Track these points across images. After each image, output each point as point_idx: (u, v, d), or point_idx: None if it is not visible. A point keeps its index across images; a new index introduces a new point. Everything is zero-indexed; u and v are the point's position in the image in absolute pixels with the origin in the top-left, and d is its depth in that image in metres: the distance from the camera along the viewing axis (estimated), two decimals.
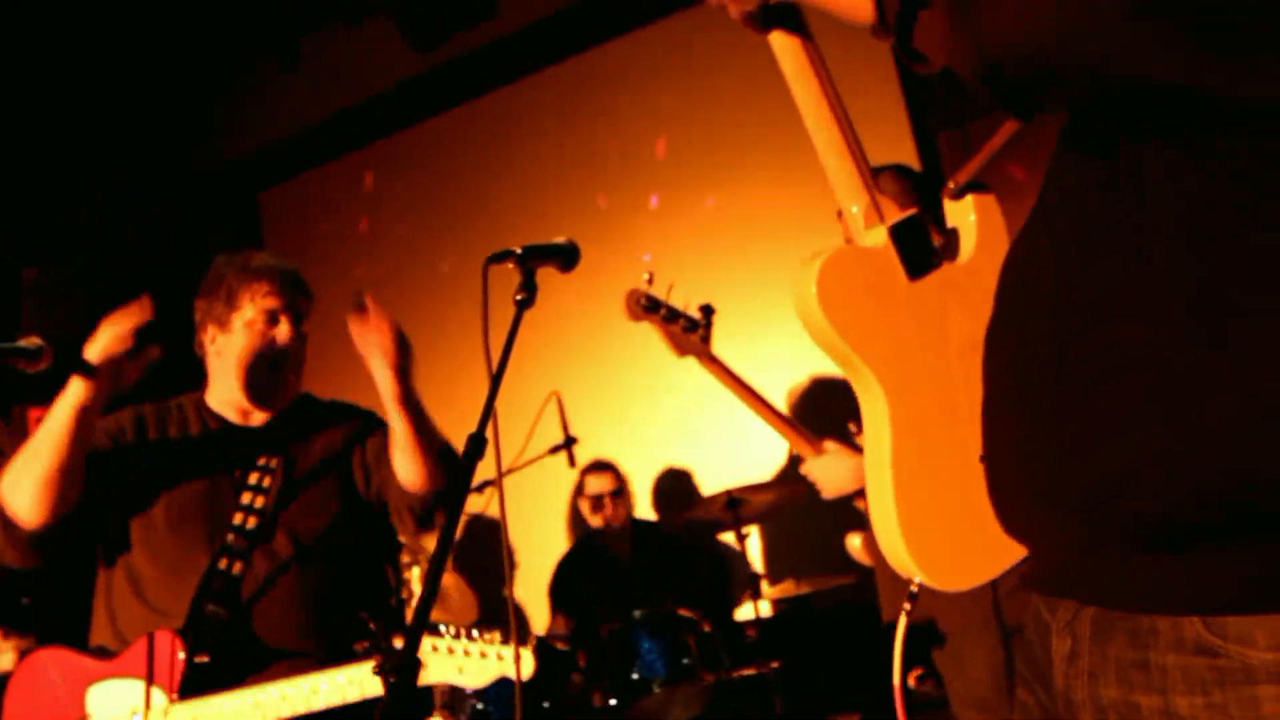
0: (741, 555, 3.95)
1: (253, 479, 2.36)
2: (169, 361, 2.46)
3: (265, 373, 2.43)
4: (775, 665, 3.50)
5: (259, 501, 2.33)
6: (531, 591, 4.78)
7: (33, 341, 2.09)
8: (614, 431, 4.81)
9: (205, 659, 2.16)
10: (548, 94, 5.45)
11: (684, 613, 3.64)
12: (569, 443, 4.00)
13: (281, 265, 2.48)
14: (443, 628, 2.03)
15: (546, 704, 3.46)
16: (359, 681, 2.06)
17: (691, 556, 4.51)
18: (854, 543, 3.24)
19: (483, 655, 2.02)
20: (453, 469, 2.34)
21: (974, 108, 4.18)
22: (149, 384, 2.43)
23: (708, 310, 2.50)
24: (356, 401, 2.61)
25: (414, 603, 2.22)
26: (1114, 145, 0.91)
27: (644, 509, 4.88)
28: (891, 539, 1.23)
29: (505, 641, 2.02)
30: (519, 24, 5.38)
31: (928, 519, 1.23)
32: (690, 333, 2.48)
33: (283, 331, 2.42)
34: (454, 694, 3.29)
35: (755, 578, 3.78)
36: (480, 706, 3.32)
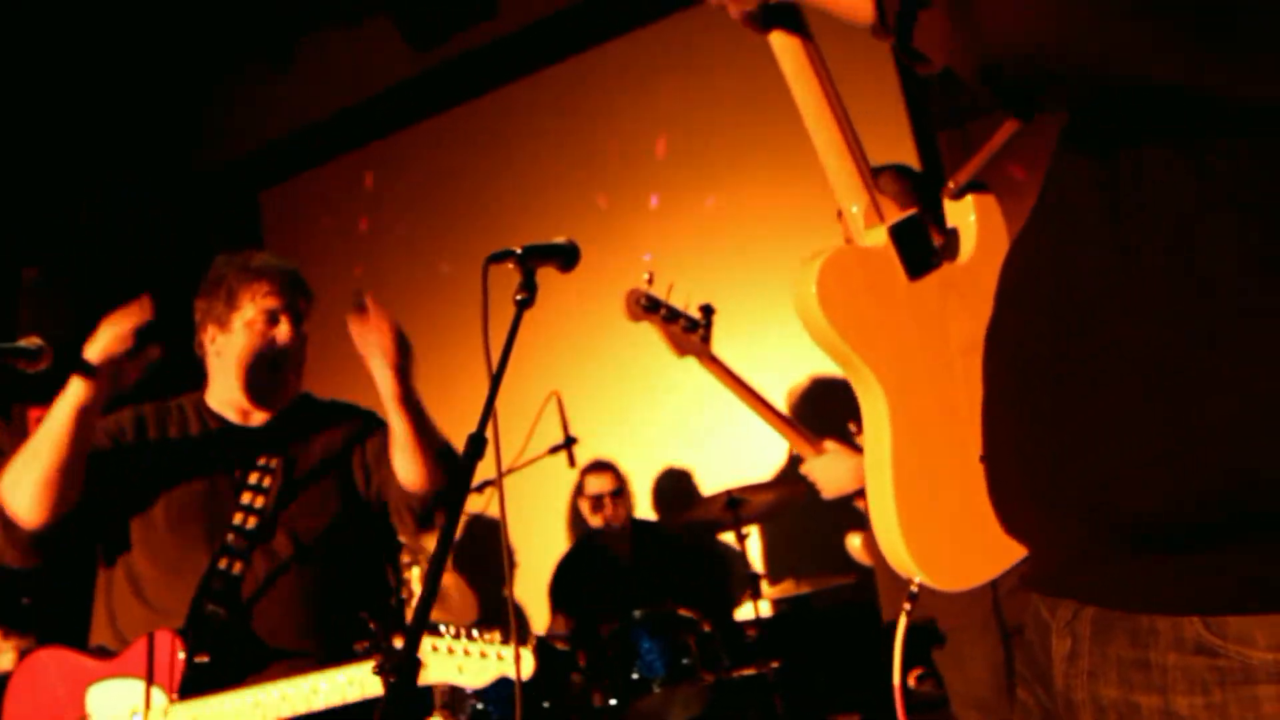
0: (741, 555, 3.95)
1: (253, 479, 2.36)
2: (169, 361, 2.46)
3: (265, 373, 2.43)
4: (775, 665, 3.50)
5: (259, 501, 2.33)
6: (531, 592, 4.78)
7: (32, 341, 2.09)
8: (614, 431, 4.81)
9: (205, 659, 2.16)
10: (548, 94, 5.45)
11: (684, 613, 3.64)
12: (569, 443, 4.00)
13: (282, 265, 2.49)
14: (443, 627, 2.03)
15: (546, 704, 3.46)
16: (359, 681, 2.06)
17: (691, 556, 4.51)
18: (854, 543, 3.24)
19: (483, 655, 2.02)
20: (452, 469, 2.34)
21: (974, 108, 4.19)
22: (149, 384, 2.43)
23: (708, 310, 2.50)
24: (356, 401, 2.61)
25: (414, 603, 2.22)
26: (1114, 146, 0.90)
27: (644, 509, 4.88)
28: (891, 539, 1.22)
29: (505, 641, 2.02)
30: (519, 24, 5.38)
31: (928, 519, 1.22)
32: (690, 333, 2.48)
33: (283, 331, 2.43)
34: (454, 694, 3.29)
35: (755, 578, 3.78)
36: (480, 706, 3.31)
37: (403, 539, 3.60)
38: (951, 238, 1.33)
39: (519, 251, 1.83)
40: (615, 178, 5.19)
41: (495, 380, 1.65)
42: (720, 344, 2.49)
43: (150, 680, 2.14)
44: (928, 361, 1.24)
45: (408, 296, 5.53)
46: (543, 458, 4.01)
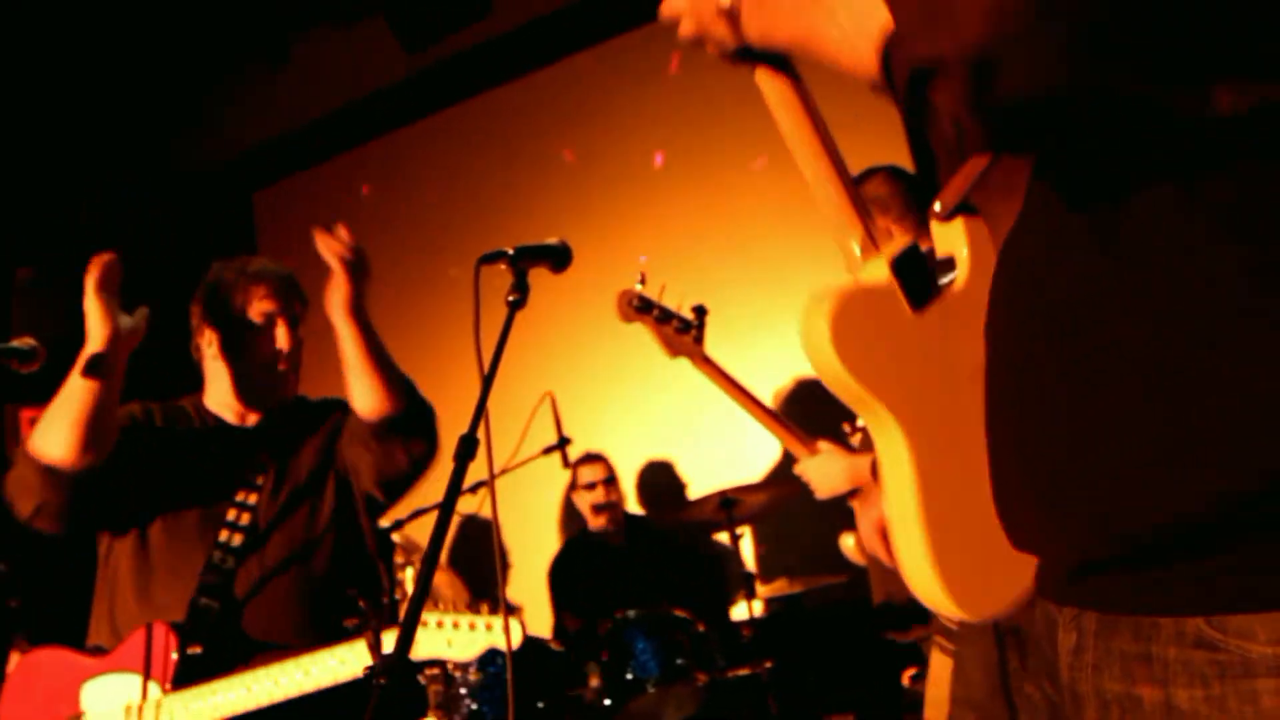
0: (735, 555, 3.95)
1: (249, 477, 2.39)
2: (169, 363, 2.48)
3: (263, 376, 2.47)
4: (769, 665, 3.50)
5: (254, 499, 2.36)
6: (525, 592, 4.78)
7: (26, 342, 2.10)
8: (608, 432, 4.81)
9: (198, 650, 2.17)
10: (543, 94, 5.44)
11: (678, 613, 3.64)
12: (563, 443, 3.99)
13: (278, 270, 2.53)
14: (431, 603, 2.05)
15: (541, 704, 3.46)
16: (349, 660, 2.08)
17: (685, 555, 4.51)
18: (847, 542, 3.24)
19: (471, 627, 2.04)
20: (415, 402, 2.37)
21: None
22: (149, 384, 2.45)
23: (700, 311, 2.50)
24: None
25: (407, 604, 2.23)
26: (1099, 162, 0.91)
27: (637, 509, 4.88)
28: (926, 581, 1.20)
29: (493, 611, 2.03)
30: (513, 24, 5.38)
31: (959, 554, 1.20)
32: (683, 334, 2.48)
33: (280, 336, 2.45)
34: (449, 694, 3.29)
35: (749, 577, 3.78)
36: (475, 707, 3.31)
37: (396, 539, 3.60)
38: (947, 265, 1.32)
39: (511, 252, 1.83)
40: (611, 178, 5.19)
41: (487, 381, 1.65)
42: (714, 345, 2.49)
43: (148, 673, 2.15)
44: (939, 392, 1.22)
45: (401, 297, 5.53)
46: (536, 458, 4.00)
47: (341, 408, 2.54)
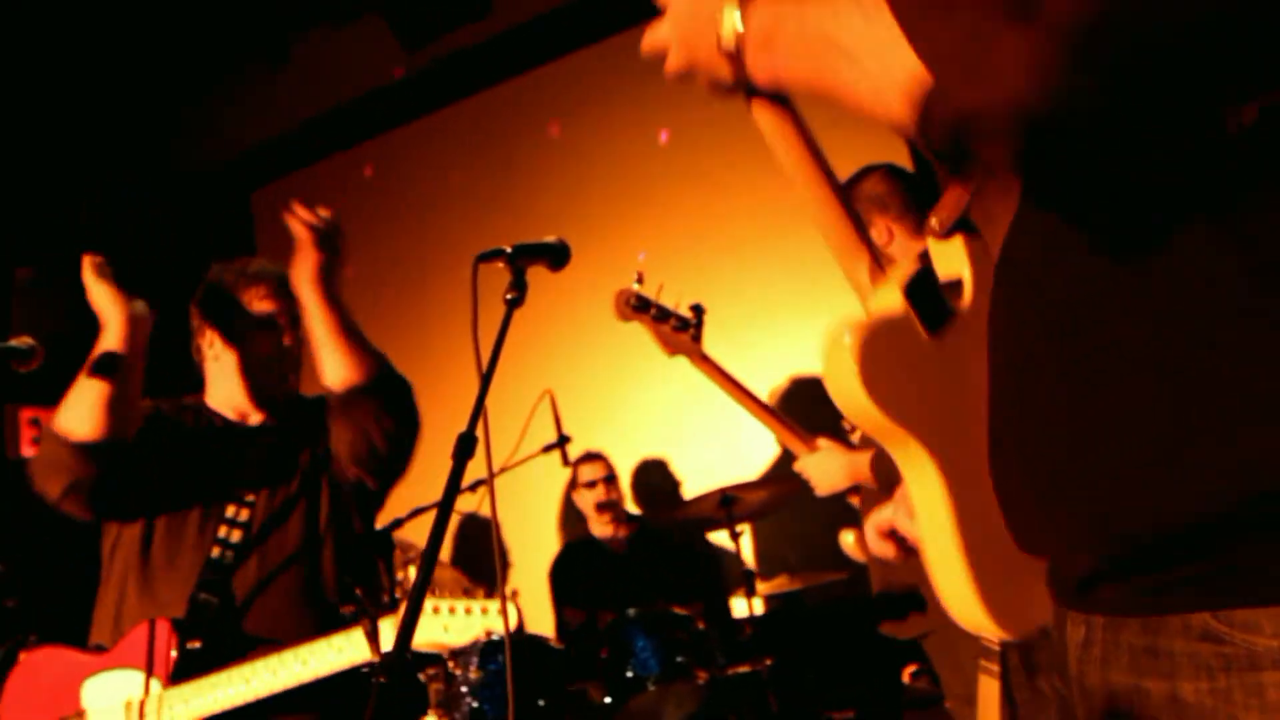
0: (735, 555, 3.95)
1: (250, 476, 2.41)
2: (168, 363, 2.49)
3: (263, 376, 2.50)
4: (769, 662, 3.50)
5: (254, 497, 2.38)
6: (525, 590, 4.77)
7: (24, 341, 2.11)
8: (607, 430, 4.81)
9: (197, 645, 2.18)
10: (541, 93, 5.44)
11: (678, 610, 3.64)
12: (562, 441, 4.00)
13: (277, 271, 2.55)
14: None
15: (541, 702, 3.46)
16: (346, 648, 2.09)
17: (688, 557, 4.51)
18: (847, 539, 3.23)
19: (467, 612, 2.04)
20: (386, 371, 2.37)
21: None
22: (150, 384, 2.46)
23: (698, 309, 2.50)
24: None
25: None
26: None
27: (635, 507, 4.88)
28: (968, 607, 1.19)
29: (489, 595, 2.04)
30: (512, 22, 5.37)
31: (997, 576, 1.19)
32: (681, 332, 2.48)
33: (280, 336, 2.49)
34: (449, 692, 3.29)
35: (749, 575, 3.78)
36: (475, 705, 3.31)
37: (397, 537, 3.60)
38: (954, 287, 1.31)
39: (509, 250, 1.83)
40: (609, 177, 5.19)
41: (485, 379, 1.65)
42: (712, 343, 2.50)
43: (150, 669, 2.16)
44: (962, 416, 1.21)
45: (400, 295, 5.53)
46: (536, 456, 4.00)
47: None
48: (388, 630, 2.06)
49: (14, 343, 2.11)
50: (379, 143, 5.90)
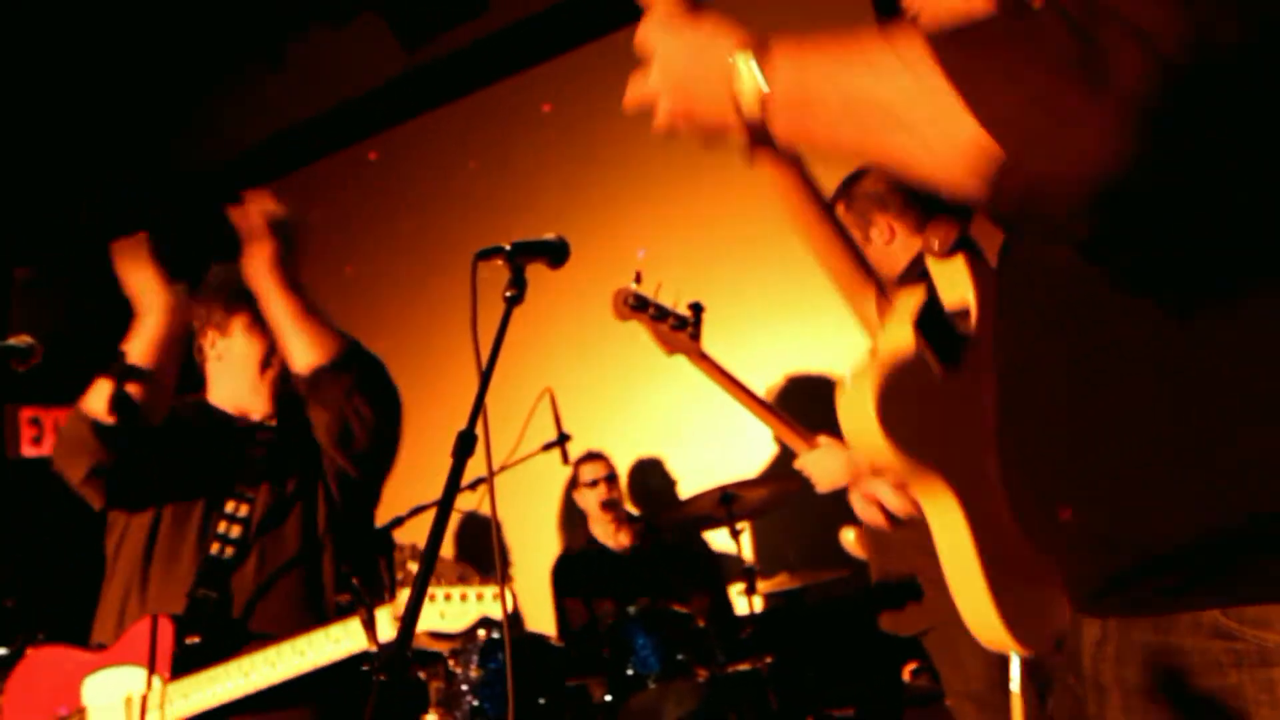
0: (734, 550, 3.95)
1: (249, 473, 2.42)
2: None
3: (264, 376, 2.51)
4: (769, 660, 3.50)
5: (253, 493, 2.39)
6: (525, 589, 4.78)
7: (24, 340, 2.11)
8: (607, 428, 4.81)
9: (197, 640, 2.18)
10: (539, 91, 5.44)
11: (678, 608, 3.64)
12: (562, 440, 3.99)
13: None
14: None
15: (542, 700, 3.46)
16: (344, 638, 2.09)
17: (687, 552, 4.51)
18: (848, 537, 3.24)
19: (463, 598, 2.05)
20: (353, 351, 2.37)
21: None
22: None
23: (697, 308, 2.49)
24: None
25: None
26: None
27: (636, 505, 4.88)
28: (993, 630, 1.21)
29: (483, 581, 2.05)
30: (511, 19, 5.37)
31: (1017, 597, 1.21)
32: (679, 330, 2.47)
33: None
34: (450, 691, 3.29)
35: (750, 573, 3.78)
36: (476, 703, 3.31)
37: (396, 539, 3.59)
38: (961, 314, 1.30)
39: (508, 248, 1.83)
40: (609, 174, 5.19)
41: (485, 377, 1.65)
42: (711, 341, 2.49)
43: (152, 666, 2.17)
44: (977, 443, 1.21)
45: (399, 293, 5.53)
46: (535, 455, 4.00)
47: None
48: (384, 620, 2.07)
49: (13, 341, 2.11)
50: (378, 141, 5.90)
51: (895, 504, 1.42)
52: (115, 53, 5.45)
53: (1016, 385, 1.04)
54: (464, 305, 1.68)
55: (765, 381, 4.41)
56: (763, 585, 3.84)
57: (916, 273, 1.53)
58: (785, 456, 2.78)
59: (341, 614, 2.14)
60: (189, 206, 6.05)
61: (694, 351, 2.49)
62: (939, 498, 1.21)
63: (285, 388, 2.52)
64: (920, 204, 2.64)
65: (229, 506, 2.36)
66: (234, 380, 2.53)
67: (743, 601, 3.82)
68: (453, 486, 1.57)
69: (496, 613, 2.02)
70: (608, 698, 3.47)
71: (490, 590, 2.05)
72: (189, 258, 2.50)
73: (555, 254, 1.89)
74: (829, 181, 2.53)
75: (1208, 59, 0.75)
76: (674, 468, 4.95)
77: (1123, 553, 0.93)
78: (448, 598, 2.06)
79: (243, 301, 2.48)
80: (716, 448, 4.66)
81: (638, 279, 2.46)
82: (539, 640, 3.78)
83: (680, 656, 3.48)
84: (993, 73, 0.81)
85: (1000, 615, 1.19)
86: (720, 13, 1.04)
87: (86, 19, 5.17)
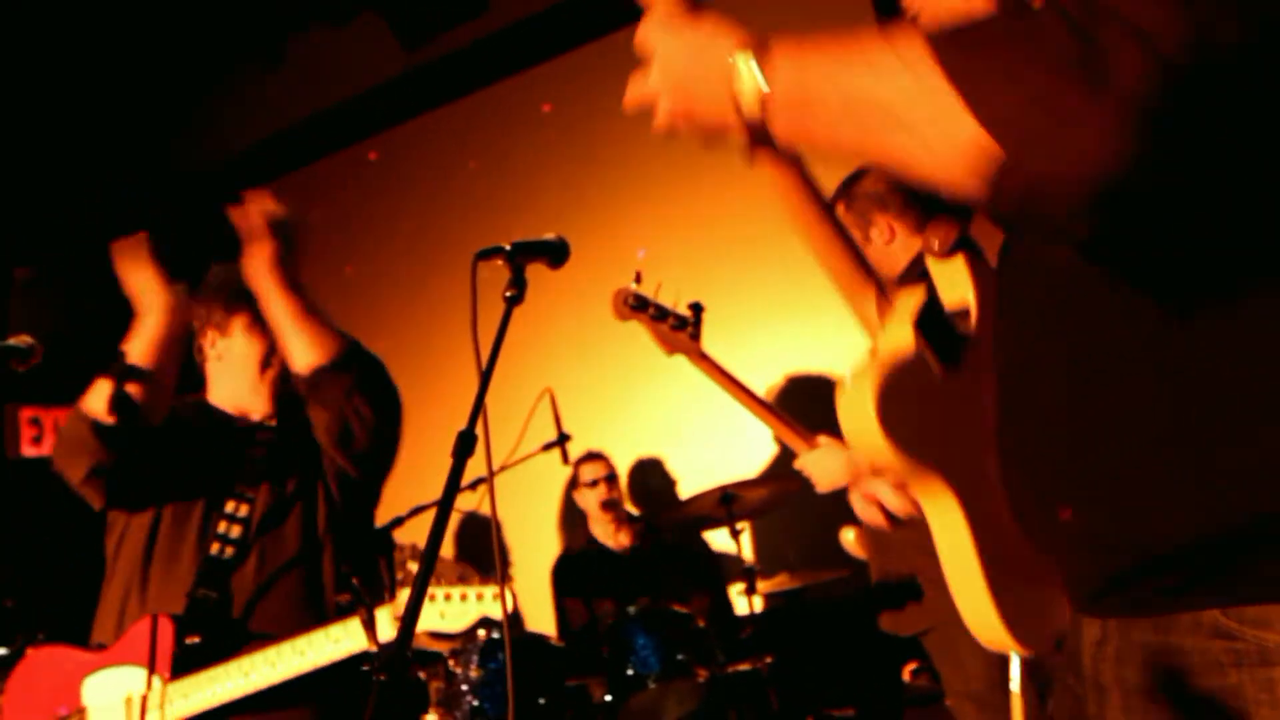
0: (734, 550, 3.95)
1: (249, 473, 2.42)
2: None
3: (264, 376, 2.52)
4: (769, 660, 3.50)
5: (253, 493, 2.39)
6: (525, 589, 4.78)
7: (23, 340, 2.11)
8: (607, 428, 4.81)
9: (197, 640, 2.18)
10: (539, 90, 5.44)
11: (678, 608, 3.64)
12: (562, 440, 3.99)
13: None
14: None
15: (542, 700, 3.46)
16: (343, 639, 2.10)
17: (688, 552, 4.51)
18: (848, 537, 3.24)
19: (463, 598, 2.05)
20: (353, 351, 2.37)
21: None
22: None
23: (697, 308, 2.49)
24: None
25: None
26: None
27: (636, 505, 4.88)
28: (993, 630, 1.21)
29: (483, 581, 2.05)
30: (511, 19, 5.37)
31: (1017, 597, 1.21)
32: (679, 330, 2.47)
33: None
34: (450, 691, 3.29)
35: (750, 572, 3.78)
36: (476, 703, 3.31)
37: (396, 539, 3.59)
38: (962, 314, 1.30)
39: (508, 248, 1.83)
40: (609, 174, 5.18)
41: (485, 377, 1.65)
42: (711, 341, 2.49)
43: (152, 666, 2.17)
44: (977, 443, 1.21)
45: (400, 292, 5.53)
46: (535, 455, 4.00)
47: None
48: (384, 620, 2.07)
49: (13, 341, 2.11)
50: (378, 141, 5.90)
51: (895, 504, 1.42)
52: (115, 53, 5.45)
53: (1016, 385, 1.04)
54: (464, 305, 1.68)
55: (765, 381, 4.41)
56: (763, 585, 3.84)
57: (916, 273, 1.53)
58: (785, 456, 2.78)
59: (341, 614, 2.14)
60: (189, 206, 6.06)
61: (694, 351, 2.48)
62: (939, 498, 1.21)
63: (285, 388, 2.52)
64: (920, 204, 2.64)
65: (229, 506, 2.36)
66: (234, 380, 2.53)
67: (743, 601, 3.82)
68: (453, 486, 1.57)
69: (496, 612, 2.03)
70: (608, 698, 3.47)
71: (490, 590, 2.05)
72: (189, 258, 2.50)
73: (555, 254, 1.89)
74: (829, 181, 2.53)
75: (1208, 59, 0.75)
76: (674, 468, 4.95)
77: (1123, 553, 0.93)
78: (448, 598, 2.06)
79: (243, 301, 2.47)
80: (716, 448, 4.66)
81: (638, 279, 2.46)
82: (539, 640, 3.78)
83: (680, 656, 3.48)
84: (992, 73, 0.81)
85: (1000, 615, 1.20)
86: (720, 13, 1.03)
87: (86, 19, 5.17)
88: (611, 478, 4.54)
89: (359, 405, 2.32)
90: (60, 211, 5.59)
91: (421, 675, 3.32)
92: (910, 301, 1.25)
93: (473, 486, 3.80)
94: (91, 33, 5.26)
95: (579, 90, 5.27)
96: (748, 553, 3.93)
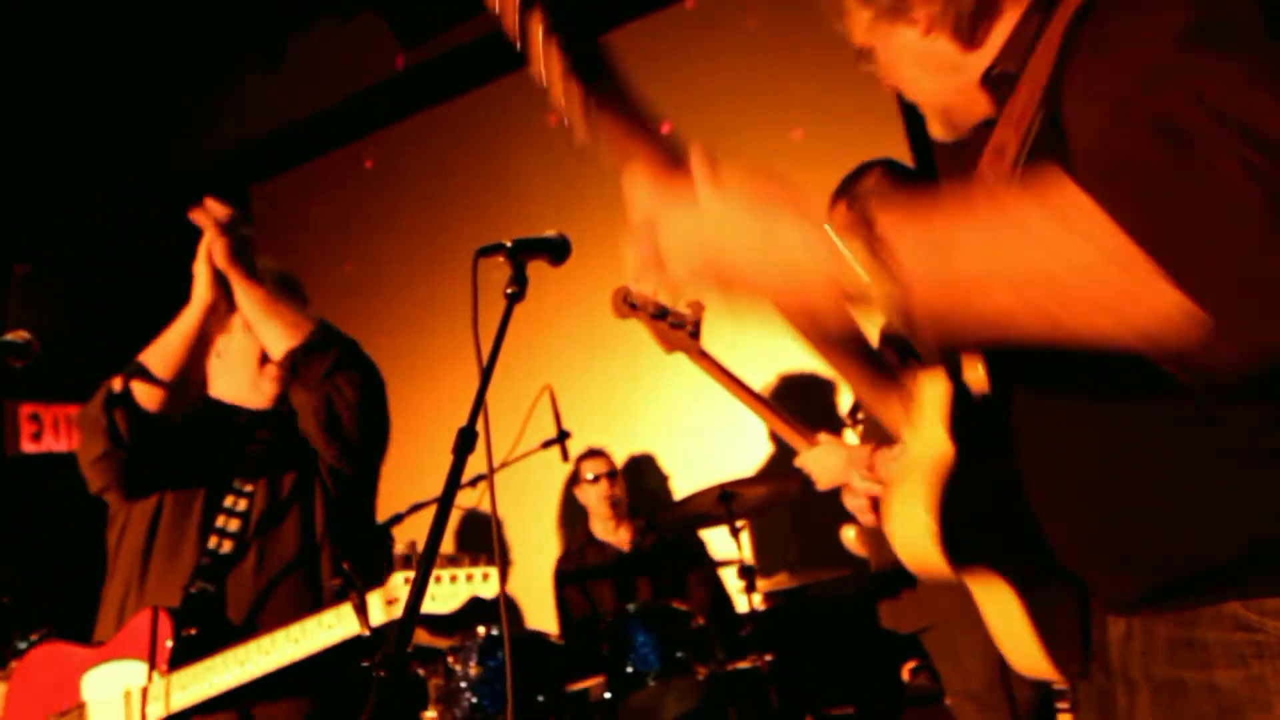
0: (734, 548, 3.95)
1: (248, 466, 2.43)
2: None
3: (264, 373, 2.51)
4: (769, 658, 3.51)
5: (251, 487, 2.40)
6: (525, 586, 4.78)
7: (21, 336, 2.11)
8: (607, 425, 4.82)
9: (194, 632, 2.19)
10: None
11: (678, 605, 3.64)
12: (562, 437, 3.99)
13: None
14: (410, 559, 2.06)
15: (541, 697, 3.46)
16: (335, 625, 2.10)
17: (685, 549, 4.51)
18: (848, 534, 3.23)
19: (452, 579, 2.05)
20: (325, 332, 2.37)
21: None
22: None
23: (696, 306, 2.49)
24: None
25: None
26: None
27: (636, 502, 4.89)
28: (1041, 670, 1.20)
29: (474, 563, 2.05)
30: None
31: (1058, 632, 1.20)
32: (678, 329, 2.47)
33: None
34: (448, 688, 3.29)
35: (750, 571, 3.78)
36: (475, 701, 3.31)
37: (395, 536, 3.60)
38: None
39: (509, 245, 1.83)
40: (609, 171, 5.17)
41: (485, 374, 1.65)
42: (711, 340, 2.49)
43: (153, 660, 2.17)
44: (1018, 518, 1.17)
45: (400, 290, 5.53)
46: (535, 452, 4.00)
47: None
48: (376, 603, 2.07)
49: (10, 337, 2.11)
50: (378, 138, 5.90)
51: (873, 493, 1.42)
52: (115, 52, 5.45)
53: (1042, 447, 1.06)
54: (464, 303, 1.68)
55: (765, 380, 4.41)
56: (763, 583, 3.84)
57: None
58: (785, 454, 2.78)
59: (334, 599, 2.15)
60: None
61: (693, 349, 2.48)
62: (996, 590, 1.18)
63: (285, 384, 2.53)
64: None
65: (228, 501, 2.37)
66: (234, 376, 2.53)
67: (743, 599, 3.82)
68: (453, 483, 1.57)
69: (486, 593, 2.02)
70: (607, 695, 3.47)
71: (480, 570, 2.05)
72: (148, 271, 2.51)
73: (556, 251, 1.89)
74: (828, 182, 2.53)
75: None
76: (673, 465, 4.96)
77: (1154, 574, 0.95)
78: (437, 580, 2.06)
79: None
80: (716, 445, 4.66)
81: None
82: (538, 638, 3.78)
83: (680, 654, 3.48)
84: (1193, 241, 0.75)
85: (1051, 662, 1.19)
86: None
87: (86, 19, 5.17)
88: (613, 474, 4.55)
89: (340, 384, 2.33)
90: (60, 210, 5.59)
91: (421, 672, 3.33)
92: (934, 392, 1.21)
93: (473, 483, 3.80)
94: (91, 32, 5.26)
95: None
96: (747, 551, 3.94)
